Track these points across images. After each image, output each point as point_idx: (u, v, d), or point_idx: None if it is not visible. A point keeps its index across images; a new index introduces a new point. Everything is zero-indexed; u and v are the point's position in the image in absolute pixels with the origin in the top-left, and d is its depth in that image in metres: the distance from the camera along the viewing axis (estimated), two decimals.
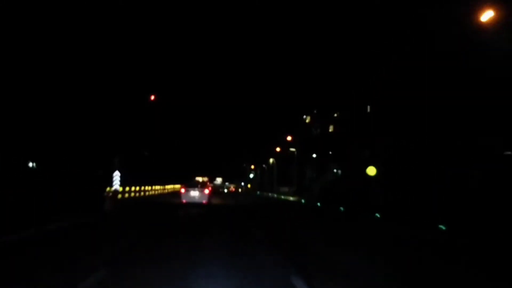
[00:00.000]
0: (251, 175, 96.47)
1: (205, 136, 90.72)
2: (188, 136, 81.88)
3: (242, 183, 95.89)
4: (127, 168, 31.48)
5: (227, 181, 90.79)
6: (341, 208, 27.76)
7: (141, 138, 47.70)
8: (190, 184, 26.76)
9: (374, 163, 29.89)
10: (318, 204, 34.02)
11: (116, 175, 25.16)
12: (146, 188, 37.19)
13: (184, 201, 24.94)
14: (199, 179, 55.25)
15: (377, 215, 21.85)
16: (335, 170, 49.80)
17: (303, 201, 40.16)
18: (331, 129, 55.42)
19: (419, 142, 23.53)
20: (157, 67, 54.64)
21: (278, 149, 65.57)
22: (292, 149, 57.89)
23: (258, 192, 69.34)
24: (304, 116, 66.44)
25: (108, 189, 22.81)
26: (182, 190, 25.63)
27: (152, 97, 46.70)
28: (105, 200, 20.72)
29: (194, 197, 24.95)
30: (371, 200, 27.02)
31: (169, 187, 55.78)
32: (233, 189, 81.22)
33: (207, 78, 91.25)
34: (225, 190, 75.05)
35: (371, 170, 29.52)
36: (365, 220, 21.28)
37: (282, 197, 51.81)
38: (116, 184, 25.08)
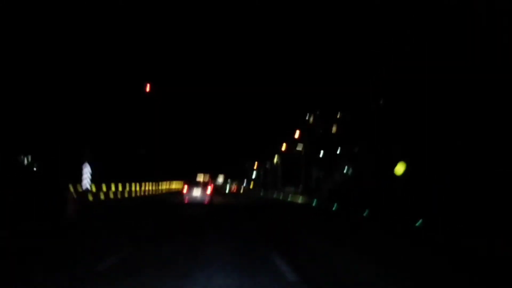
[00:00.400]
0: (254, 174, 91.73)
1: (206, 134, 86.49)
2: (189, 134, 77.98)
3: (245, 182, 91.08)
4: (110, 162, 27.32)
5: (228, 178, 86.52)
6: (365, 214, 23.12)
7: (137, 134, 44.63)
8: (193, 183, 27.92)
9: (401, 158, 25.18)
10: (334, 207, 29.21)
11: (86, 170, 20.01)
12: (133, 188, 32.17)
13: (186, 200, 25.91)
14: (201, 177, 51.04)
15: (418, 223, 17.14)
16: (345, 168, 45.21)
17: (314, 203, 35.35)
18: (334, 128, 50.83)
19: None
20: (159, 67, 51.18)
21: (284, 146, 60.75)
22: (300, 145, 53.04)
23: (261, 193, 64.21)
24: (308, 115, 61.78)
25: (72, 187, 17.81)
26: (185, 190, 26.71)
27: (148, 87, 44.15)
28: (67, 204, 15.83)
29: (196, 197, 26.07)
30: (401, 203, 22.18)
31: (165, 186, 50.71)
32: (235, 189, 76.83)
33: (211, 75, 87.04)
34: (227, 191, 70.34)
35: (400, 168, 24.81)
36: (407, 231, 16.68)
37: (289, 197, 46.89)
38: (87, 182, 19.96)
